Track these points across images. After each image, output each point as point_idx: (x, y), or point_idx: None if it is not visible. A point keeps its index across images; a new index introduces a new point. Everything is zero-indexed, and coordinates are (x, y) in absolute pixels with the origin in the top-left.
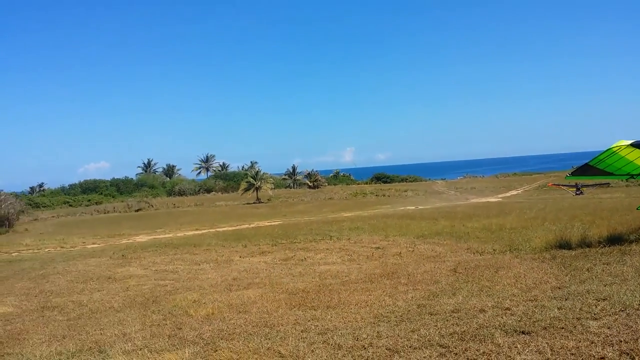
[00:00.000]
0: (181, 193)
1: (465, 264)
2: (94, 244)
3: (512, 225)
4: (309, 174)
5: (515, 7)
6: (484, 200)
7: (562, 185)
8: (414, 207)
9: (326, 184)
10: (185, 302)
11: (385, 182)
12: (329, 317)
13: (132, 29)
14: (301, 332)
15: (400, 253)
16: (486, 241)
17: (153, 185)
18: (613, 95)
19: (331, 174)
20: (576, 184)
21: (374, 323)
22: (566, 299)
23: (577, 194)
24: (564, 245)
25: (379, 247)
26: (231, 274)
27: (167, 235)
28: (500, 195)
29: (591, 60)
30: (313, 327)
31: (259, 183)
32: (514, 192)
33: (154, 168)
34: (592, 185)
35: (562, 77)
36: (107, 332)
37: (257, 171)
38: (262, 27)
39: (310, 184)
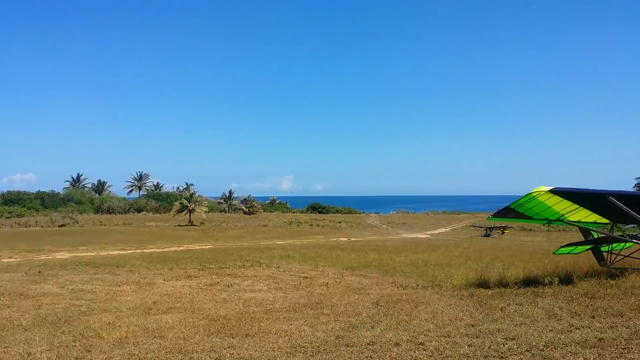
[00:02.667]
0: (110, 211)
1: (388, 298)
2: (10, 258)
3: (437, 261)
4: (245, 199)
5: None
6: (413, 235)
7: (477, 226)
8: (346, 239)
9: (262, 210)
10: (98, 324)
11: (320, 212)
12: (246, 345)
13: (59, 37)
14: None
15: (327, 283)
16: (411, 276)
17: (80, 201)
18: (539, 142)
19: (268, 201)
20: (491, 227)
21: (290, 353)
22: (477, 337)
23: (483, 235)
24: (483, 284)
25: (307, 277)
26: (152, 297)
27: (89, 254)
28: (429, 232)
29: (520, 113)
30: (228, 355)
31: (192, 205)
32: (442, 230)
33: (83, 183)
34: (499, 227)
35: (493, 126)
36: (11, 351)
37: (192, 193)
38: (200, 43)
39: (245, 210)
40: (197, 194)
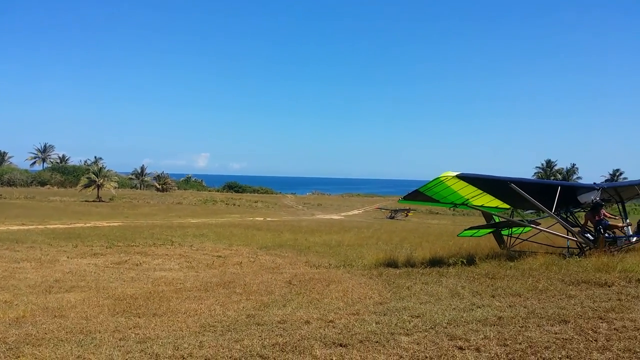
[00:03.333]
0: (10, 183)
1: (301, 277)
2: None
3: (350, 242)
4: (158, 176)
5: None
6: (328, 217)
7: (384, 208)
8: (262, 219)
9: (176, 188)
10: None
11: (237, 191)
12: (152, 325)
13: None
14: (119, 340)
15: (241, 263)
16: (324, 255)
17: None
18: (449, 129)
19: (182, 179)
20: (396, 209)
21: (199, 332)
22: (385, 314)
23: (389, 217)
24: (392, 264)
25: (220, 256)
26: (54, 275)
27: None
28: (343, 214)
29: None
30: (133, 335)
31: (101, 180)
32: (355, 212)
33: None
34: (403, 210)
35: (415, 114)
36: None
37: (101, 167)
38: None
39: (158, 187)
40: (106, 169)
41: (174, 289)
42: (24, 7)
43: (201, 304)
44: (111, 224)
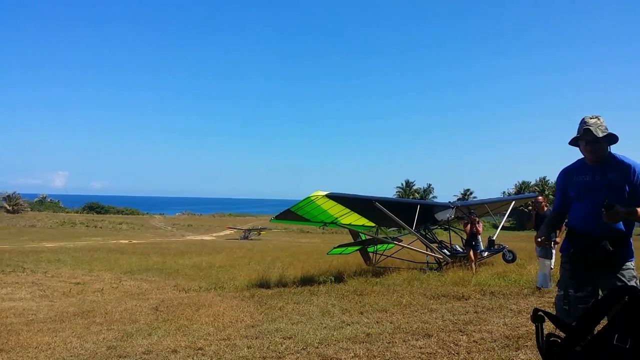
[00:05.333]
0: None
1: (169, 302)
2: None
3: (222, 263)
4: (8, 196)
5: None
6: (199, 237)
7: (235, 228)
8: (127, 241)
9: (29, 209)
10: None
11: (99, 212)
12: None
13: None
14: None
15: (102, 289)
16: (194, 278)
17: None
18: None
19: (37, 199)
20: (248, 229)
21: None
22: (256, 338)
23: (241, 238)
24: (264, 284)
25: (79, 283)
26: None
27: None
28: (214, 234)
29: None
30: None
31: None
32: (227, 232)
33: None
34: (256, 229)
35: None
36: None
37: None
38: None
39: (8, 208)
40: None
41: (24, 321)
42: None
43: (56, 336)
44: None
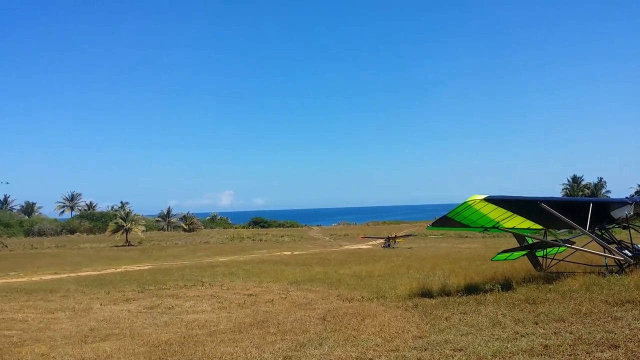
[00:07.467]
0: (41, 233)
1: (335, 312)
2: None
3: (380, 272)
4: (184, 216)
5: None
6: (356, 247)
7: (371, 237)
8: (289, 253)
9: (202, 227)
10: (31, 356)
11: (262, 226)
12: None
13: None
14: None
15: (272, 300)
16: (356, 288)
17: (9, 224)
18: (472, 152)
19: (208, 217)
20: (387, 237)
21: None
22: (425, 349)
23: (384, 247)
24: (426, 293)
25: (251, 294)
26: (88, 324)
27: (20, 280)
28: (371, 243)
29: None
30: None
31: (129, 224)
32: (381, 241)
33: (10, 205)
34: (405, 236)
35: (429, 134)
36: None
37: (128, 212)
38: (137, 55)
39: (185, 227)
40: (133, 213)
41: (207, 332)
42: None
43: (236, 346)
44: (141, 268)
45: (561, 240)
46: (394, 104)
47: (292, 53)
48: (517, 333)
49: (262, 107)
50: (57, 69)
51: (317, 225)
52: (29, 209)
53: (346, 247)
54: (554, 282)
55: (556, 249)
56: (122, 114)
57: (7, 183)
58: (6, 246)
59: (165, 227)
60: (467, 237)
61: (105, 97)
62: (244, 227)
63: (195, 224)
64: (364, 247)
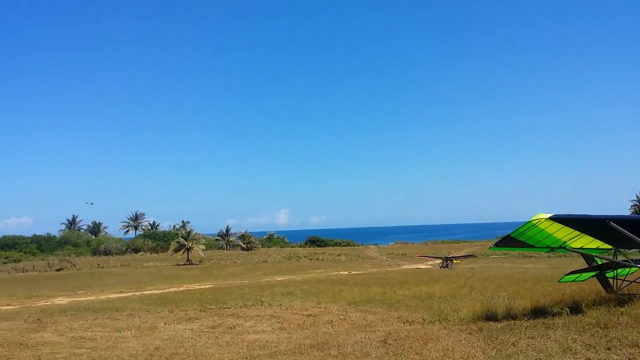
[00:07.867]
0: (107, 252)
1: (396, 335)
2: (8, 305)
3: (441, 293)
4: (242, 235)
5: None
6: (414, 266)
7: (429, 257)
8: (347, 272)
9: (260, 246)
10: None
11: (319, 245)
12: None
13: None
14: None
15: (331, 321)
16: (416, 309)
17: (77, 244)
18: (535, 169)
19: (265, 236)
20: (445, 257)
21: None
22: None
23: (442, 267)
24: (491, 316)
25: (310, 315)
26: (154, 343)
27: (88, 298)
28: (429, 263)
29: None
30: None
31: (190, 244)
32: (439, 261)
33: (78, 225)
34: (464, 257)
35: (488, 153)
36: None
37: (189, 231)
38: (194, 77)
39: (243, 246)
40: (193, 232)
41: (268, 353)
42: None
43: None
44: (202, 287)
45: (632, 260)
46: (448, 119)
47: (353, 73)
48: (589, 359)
49: (313, 126)
50: (110, 89)
51: (374, 244)
52: (95, 228)
53: (404, 266)
54: (626, 305)
55: (627, 269)
56: (181, 137)
57: (92, 204)
58: (74, 265)
59: (224, 246)
60: (531, 257)
61: (161, 120)
62: (300, 246)
63: (253, 242)
64: (422, 266)
